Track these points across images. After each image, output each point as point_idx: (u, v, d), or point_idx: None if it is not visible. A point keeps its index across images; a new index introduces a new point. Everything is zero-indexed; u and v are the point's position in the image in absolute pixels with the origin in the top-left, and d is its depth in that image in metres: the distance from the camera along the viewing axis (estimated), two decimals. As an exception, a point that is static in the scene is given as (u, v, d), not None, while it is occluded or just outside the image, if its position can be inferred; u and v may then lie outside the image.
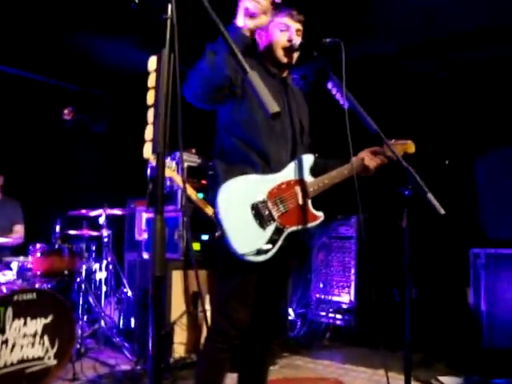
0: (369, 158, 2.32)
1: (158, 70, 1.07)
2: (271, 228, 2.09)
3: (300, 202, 2.19)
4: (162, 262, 1.02)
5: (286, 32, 2.28)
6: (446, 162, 5.73)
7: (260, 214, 2.07)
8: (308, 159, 2.29)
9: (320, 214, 2.27)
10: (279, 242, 2.11)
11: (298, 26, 2.32)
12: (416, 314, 4.88)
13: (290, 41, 2.26)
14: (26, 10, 4.39)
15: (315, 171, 2.30)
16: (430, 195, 1.87)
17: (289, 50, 2.27)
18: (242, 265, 2.05)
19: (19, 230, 4.72)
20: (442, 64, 5.40)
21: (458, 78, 5.40)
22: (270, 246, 2.07)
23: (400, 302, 5.13)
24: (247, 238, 2.04)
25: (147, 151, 1.08)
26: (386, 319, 4.74)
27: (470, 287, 4.82)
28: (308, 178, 2.26)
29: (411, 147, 2.44)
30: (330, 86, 2.23)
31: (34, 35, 4.85)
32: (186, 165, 4.01)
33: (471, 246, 4.86)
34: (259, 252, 2.03)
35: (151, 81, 1.09)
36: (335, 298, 5.35)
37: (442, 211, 1.86)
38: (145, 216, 4.36)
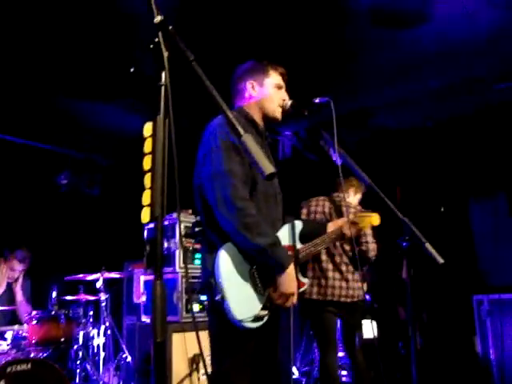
0: (347, 227, 2.48)
1: (153, 136, 1.10)
2: (266, 295, 2.06)
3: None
4: (163, 327, 1.00)
5: (280, 91, 2.35)
6: (442, 209, 5.77)
7: (257, 281, 2.05)
8: (298, 225, 2.32)
9: (306, 281, 2.30)
10: (272, 308, 2.07)
11: (284, 85, 2.39)
12: (424, 366, 4.77)
13: (284, 100, 2.33)
14: (19, 76, 4.52)
15: (300, 236, 2.34)
16: (427, 245, 1.87)
17: (282, 109, 2.32)
18: (240, 334, 2.00)
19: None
20: (429, 115, 5.55)
21: (445, 128, 5.53)
22: (265, 311, 2.04)
23: (406, 355, 5.01)
24: (245, 304, 2.00)
25: (145, 216, 1.09)
26: (393, 373, 4.62)
27: (476, 335, 4.73)
28: (298, 244, 2.29)
29: (376, 220, 2.67)
30: (322, 143, 2.28)
31: (27, 101, 4.96)
32: (183, 225, 4.01)
33: (473, 292, 4.81)
34: (256, 318, 2.00)
35: (147, 146, 1.11)
36: (340, 354, 5.19)
37: (441, 260, 1.85)
38: (143, 278, 4.31)
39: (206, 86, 1.11)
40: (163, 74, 1.13)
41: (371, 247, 3.61)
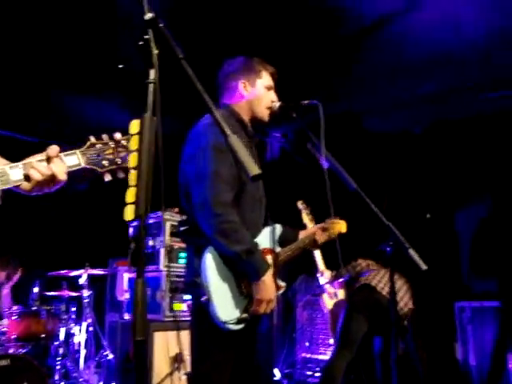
0: (319, 234, 2.49)
1: (140, 134, 1.09)
2: (248, 298, 2.06)
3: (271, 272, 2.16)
4: (143, 326, 1.00)
5: (269, 92, 2.34)
6: (428, 216, 5.80)
7: (241, 283, 2.05)
8: (278, 229, 2.33)
9: (283, 284, 2.29)
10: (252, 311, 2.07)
11: (273, 86, 2.38)
12: (405, 371, 4.78)
13: (273, 102, 2.32)
14: (14, 72, 4.48)
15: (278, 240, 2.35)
16: (411, 251, 1.88)
17: (270, 111, 2.31)
18: (222, 335, 2.00)
19: None
20: (418, 120, 5.60)
21: (434, 134, 5.57)
22: (246, 315, 2.04)
23: (386, 359, 5.03)
24: (230, 306, 2.01)
25: (128, 213, 1.08)
26: (373, 376, 4.63)
27: (457, 342, 4.76)
28: (277, 247, 2.29)
29: (343, 227, 2.68)
30: (309, 146, 2.28)
31: (19, 96, 4.91)
32: (169, 224, 3.99)
33: (456, 299, 4.84)
34: (239, 321, 2.01)
35: (133, 144, 1.11)
36: (321, 357, 5.21)
37: (424, 267, 1.87)
38: (127, 276, 4.29)
39: (194, 84, 1.11)
40: (152, 72, 1.12)
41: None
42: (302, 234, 2.54)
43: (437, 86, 4.94)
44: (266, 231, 2.26)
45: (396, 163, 5.67)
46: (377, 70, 4.65)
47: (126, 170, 1.33)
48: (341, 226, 2.67)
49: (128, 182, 1.12)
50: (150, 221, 4.09)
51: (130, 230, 4.23)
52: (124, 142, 1.40)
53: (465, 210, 5.10)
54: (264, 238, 2.22)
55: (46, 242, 5.49)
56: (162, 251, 3.91)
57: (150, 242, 3.99)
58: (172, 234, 3.98)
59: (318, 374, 5.15)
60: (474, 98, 5.06)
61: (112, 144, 1.40)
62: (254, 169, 1.04)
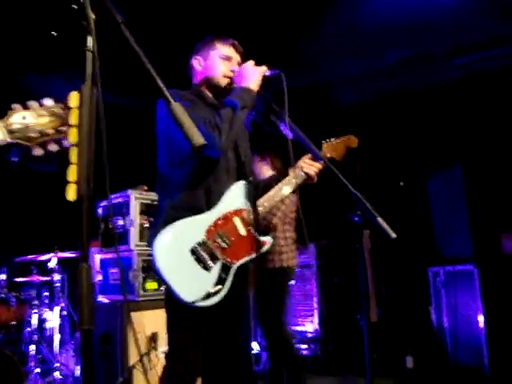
0: (307, 165, 2.28)
1: (79, 107, 1.00)
2: (217, 267, 2.01)
3: (243, 232, 2.11)
4: (90, 314, 0.93)
5: (228, 62, 2.27)
6: (401, 184, 5.84)
7: (202, 257, 1.99)
8: (240, 186, 2.17)
9: (267, 239, 2.22)
10: (229, 280, 2.03)
11: (239, 57, 2.32)
12: (381, 336, 4.85)
13: (232, 71, 2.24)
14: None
15: (257, 195, 2.26)
16: (379, 219, 1.84)
17: (230, 81, 2.24)
18: (191, 310, 1.97)
19: None
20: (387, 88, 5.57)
21: (404, 102, 5.56)
22: (219, 286, 1.99)
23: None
24: (194, 285, 1.95)
25: (70, 193, 1.00)
26: (351, 345, 4.69)
27: (432, 306, 4.85)
28: (246, 205, 2.16)
29: (354, 141, 2.45)
30: (273, 117, 2.21)
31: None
32: (138, 202, 3.89)
33: (430, 264, 4.91)
34: (209, 295, 1.95)
35: (73, 118, 1.02)
36: (299, 328, 5.25)
37: (393, 235, 1.83)
38: (98, 257, 4.19)
39: (134, 50, 1.01)
40: (89, 39, 1.03)
41: None
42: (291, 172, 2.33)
43: (404, 53, 4.90)
44: (236, 189, 2.15)
45: (368, 133, 5.66)
46: (343, 39, 4.58)
47: (59, 142, 1.15)
48: (350, 141, 2.46)
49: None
50: (119, 199, 3.98)
51: (100, 210, 4.12)
52: (56, 110, 1.17)
53: (436, 177, 5.13)
54: (227, 203, 2.11)
55: (11, 226, 5.32)
56: (132, 230, 3.82)
57: (120, 222, 3.89)
58: (142, 213, 3.88)
59: (297, 346, 5.19)
60: (444, 65, 5.05)
61: (43, 112, 1.18)
62: (197, 138, 0.96)
